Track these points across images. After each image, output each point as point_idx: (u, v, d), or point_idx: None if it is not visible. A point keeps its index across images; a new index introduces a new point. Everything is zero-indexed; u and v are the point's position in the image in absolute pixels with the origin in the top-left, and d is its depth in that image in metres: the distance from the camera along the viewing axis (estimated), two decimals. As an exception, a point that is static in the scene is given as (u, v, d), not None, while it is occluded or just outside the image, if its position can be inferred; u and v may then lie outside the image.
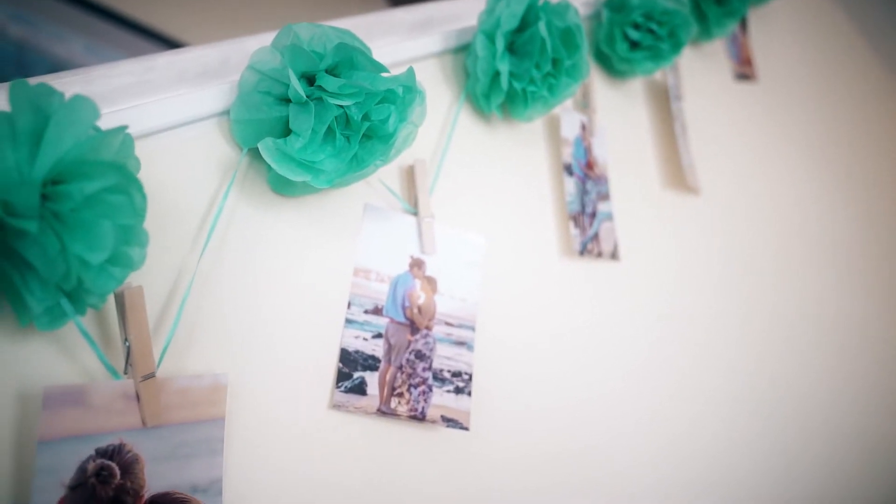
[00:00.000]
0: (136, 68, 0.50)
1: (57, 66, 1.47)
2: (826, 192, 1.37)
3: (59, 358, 0.42)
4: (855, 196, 1.45)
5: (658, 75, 1.03)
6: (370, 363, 0.56)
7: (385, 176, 0.62)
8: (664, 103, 1.02)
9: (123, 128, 0.38)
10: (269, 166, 0.52)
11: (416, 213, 0.61)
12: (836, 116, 1.51)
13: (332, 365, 0.54)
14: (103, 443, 0.41)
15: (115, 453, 0.41)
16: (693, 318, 0.95)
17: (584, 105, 0.87)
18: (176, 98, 0.51)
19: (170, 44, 1.62)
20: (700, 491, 0.88)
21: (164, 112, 0.50)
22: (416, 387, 0.57)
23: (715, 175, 1.09)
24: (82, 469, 0.40)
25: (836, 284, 1.28)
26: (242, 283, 0.51)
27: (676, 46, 0.90)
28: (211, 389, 0.45)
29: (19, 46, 1.45)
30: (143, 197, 0.38)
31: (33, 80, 0.37)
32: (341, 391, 0.54)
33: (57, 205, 0.34)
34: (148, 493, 0.42)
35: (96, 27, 1.53)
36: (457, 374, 0.60)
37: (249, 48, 0.55)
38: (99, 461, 0.40)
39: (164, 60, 0.52)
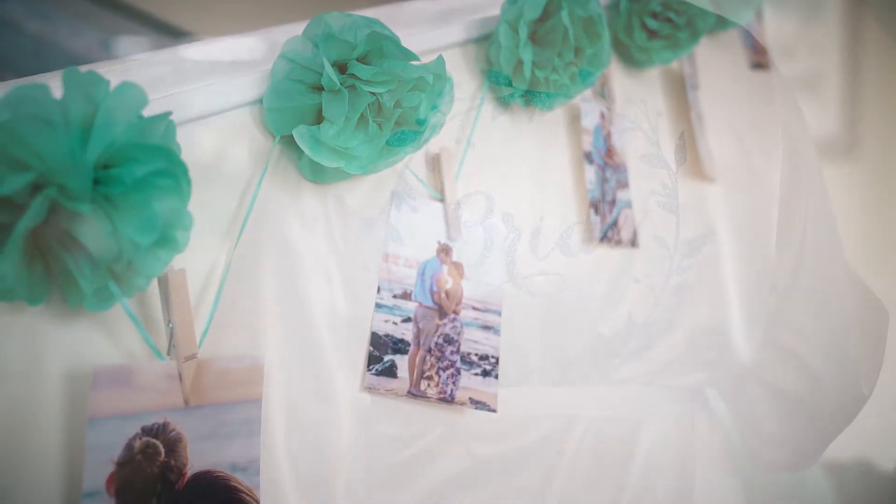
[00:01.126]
0: (169, 58, 0.51)
1: (74, 61, 1.49)
2: (841, 181, 1.36)
3: (104, 339, 0.43)
4: (867, 187, 1.45)
5: (674, 64, 1.04)
6: (400, 347, 0.57)
7: (411, 164, 0.63)
8: (681, 92, 1.02)
9: (168, 114, 0.40)
10: (300, 154, 0.53)
11: (442, 200, 0.62)
12: (852, 105, 1.50)
13: (363, 348, 0.55)
14: (148, 421, 0.42)
15: (159, 432, 0.42)
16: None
17: (603, 94, 0.87)
18: (209, 87, 0.52)
19: (186, 39, 1.63)
20: (712, 486, 0.89)
21: (197, 101, 0.50)
22: (444, 370, 0.58)
23: (730, 163, 1.09)
24: (129, 446, 0.41)
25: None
26: (275, 267, 0.52)
27: (695, 36, 0.90)
28: (249, 370, 0.47)
29: (36, 41, 1.46)
30: (189, 180, 0.39)
31: (83, 69, 0.38)
32: (372, 374, 0.55)
33: (108, 188, 0.36)
34: (190, 470, 0.44)
35: (113, 22, 1.54)
36: (484, 358, 0.61)
37: (279, 38, 0.56)
38: (145, 439, 0.42)
39: (196, 50, 0.53)
